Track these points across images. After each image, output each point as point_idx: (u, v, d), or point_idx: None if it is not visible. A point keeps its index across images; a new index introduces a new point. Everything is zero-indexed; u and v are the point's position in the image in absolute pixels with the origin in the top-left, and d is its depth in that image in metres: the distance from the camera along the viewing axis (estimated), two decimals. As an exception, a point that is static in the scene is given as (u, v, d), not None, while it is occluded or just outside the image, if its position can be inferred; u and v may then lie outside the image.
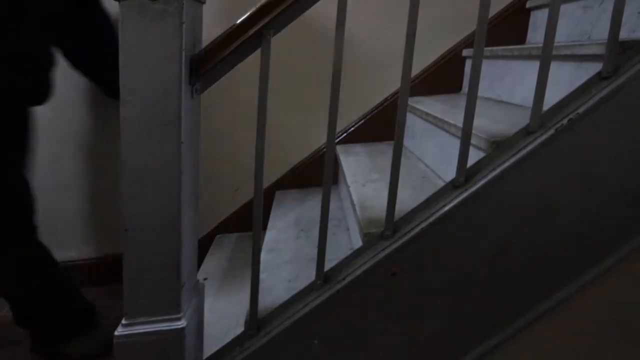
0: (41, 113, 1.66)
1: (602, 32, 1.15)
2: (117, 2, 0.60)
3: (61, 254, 1.74)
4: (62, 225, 1.69)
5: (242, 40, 0.66)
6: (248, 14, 0.66)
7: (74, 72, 1.42)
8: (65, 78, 1.60)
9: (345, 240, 1.15)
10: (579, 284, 0.77)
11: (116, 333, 0.67)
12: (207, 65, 0.67)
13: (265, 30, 0.66)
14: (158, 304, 0.68)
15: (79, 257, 1.69)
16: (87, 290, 1.67)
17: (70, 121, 1.62)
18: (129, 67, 0.62)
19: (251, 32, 0.66)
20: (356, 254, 0.75)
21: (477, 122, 0.74)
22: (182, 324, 0.68)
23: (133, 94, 0.63)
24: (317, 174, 1.55)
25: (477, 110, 0.71)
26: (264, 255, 1.13)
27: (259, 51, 0.69)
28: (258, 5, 0.65)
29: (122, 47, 0.62)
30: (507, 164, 0.70)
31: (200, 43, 0.70)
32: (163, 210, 0.66)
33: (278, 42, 1.25)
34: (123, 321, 0.68)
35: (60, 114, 1.64)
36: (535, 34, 1.53)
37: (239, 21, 0.66)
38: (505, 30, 1.52)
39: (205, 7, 0.71)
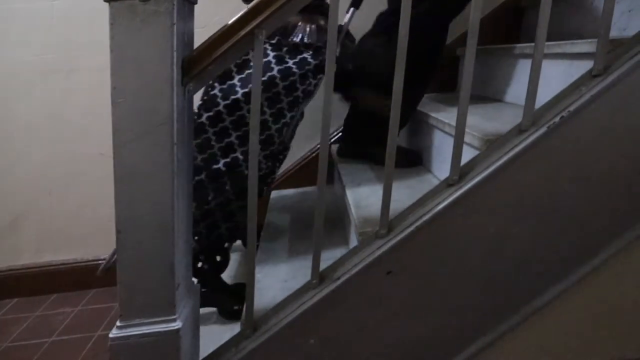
0: (38, 117, 1.65)
1: (593, 30, 1.16)
2: (106, 3, 0.60)
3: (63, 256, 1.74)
4: (62, 226, 1.68)
5: (234, 41, 0.66)
6: (240, 14, 0.66)
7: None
8: (66, 79, 1.60)
9: (342, 240, 1.15)
10: (574, 280, 0.77)
11: (111, 335, 0.67)
12: (199, 66, 0.67)
13: (257, 30, 0.66)
14: (153, 305, 0.68)
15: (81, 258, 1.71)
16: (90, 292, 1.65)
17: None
18: (120, 68, 0.62)
19: (243, 32, 0.66)
20: (352, 253, 0.75)
21: (470, 120, 0.74)
22: (177, 325, 0.68)
23: (125, 96, 0.63)
24: (312, 174, 1.54)
25: (471, 108, 0.72)
26: (259, 256, 1.13)
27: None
28: (250, 5, 0.65)
29: (112, 48, 0.62)
30: (500, 162, 0.71)
31: (192, 43, 0.70)
32: (156, 211, 0.66)
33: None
34: (118, 323, 0.68)
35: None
36: (529, 33, 1.53)
37: (230, 21, 0.66)
38: (500, 29, 1.53)
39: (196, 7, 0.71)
